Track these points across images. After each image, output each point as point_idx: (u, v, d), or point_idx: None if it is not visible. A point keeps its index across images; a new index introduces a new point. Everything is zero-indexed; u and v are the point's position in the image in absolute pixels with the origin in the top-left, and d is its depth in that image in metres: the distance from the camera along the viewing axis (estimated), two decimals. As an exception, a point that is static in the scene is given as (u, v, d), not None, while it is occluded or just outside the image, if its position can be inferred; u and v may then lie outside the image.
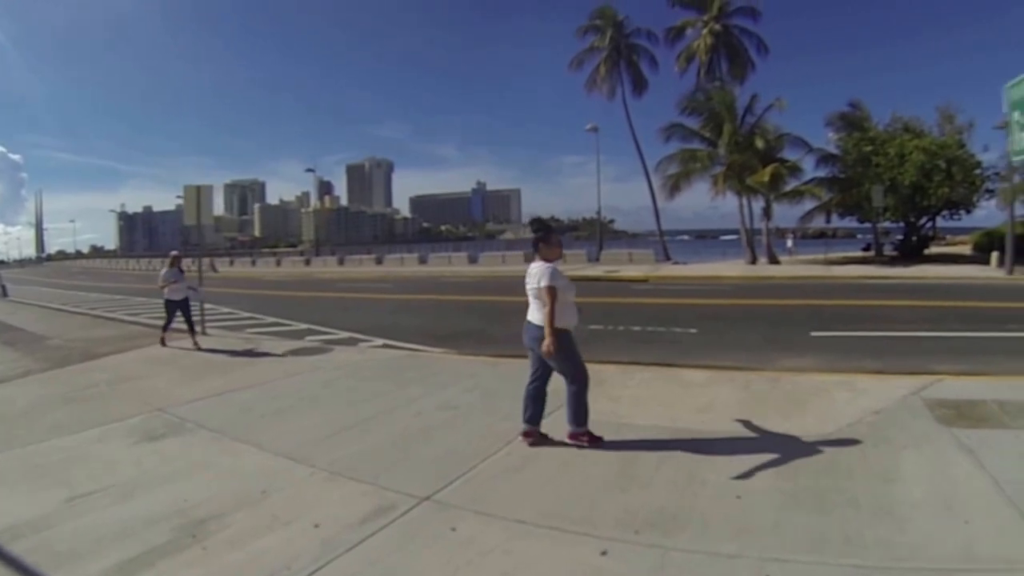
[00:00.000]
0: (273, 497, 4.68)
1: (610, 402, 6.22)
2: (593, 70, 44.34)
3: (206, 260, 53.13)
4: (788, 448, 5.25)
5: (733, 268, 31.32)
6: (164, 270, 12.35)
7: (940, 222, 39.39)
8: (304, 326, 15.25)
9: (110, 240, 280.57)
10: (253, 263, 60.78)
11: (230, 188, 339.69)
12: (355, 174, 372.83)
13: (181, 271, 12.42)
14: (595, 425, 5.61)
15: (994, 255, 26.89)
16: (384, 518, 4.24)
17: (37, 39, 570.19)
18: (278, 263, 57.38)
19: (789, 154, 34.70)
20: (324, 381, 8.69)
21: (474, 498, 4.55)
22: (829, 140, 35.49)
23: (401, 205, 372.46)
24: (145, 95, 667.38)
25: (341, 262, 51.28)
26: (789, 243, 43.39)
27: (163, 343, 12.02)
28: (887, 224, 37.95)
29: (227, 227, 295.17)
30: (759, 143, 33.38)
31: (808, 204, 35.35)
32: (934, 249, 39.62)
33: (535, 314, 5.48)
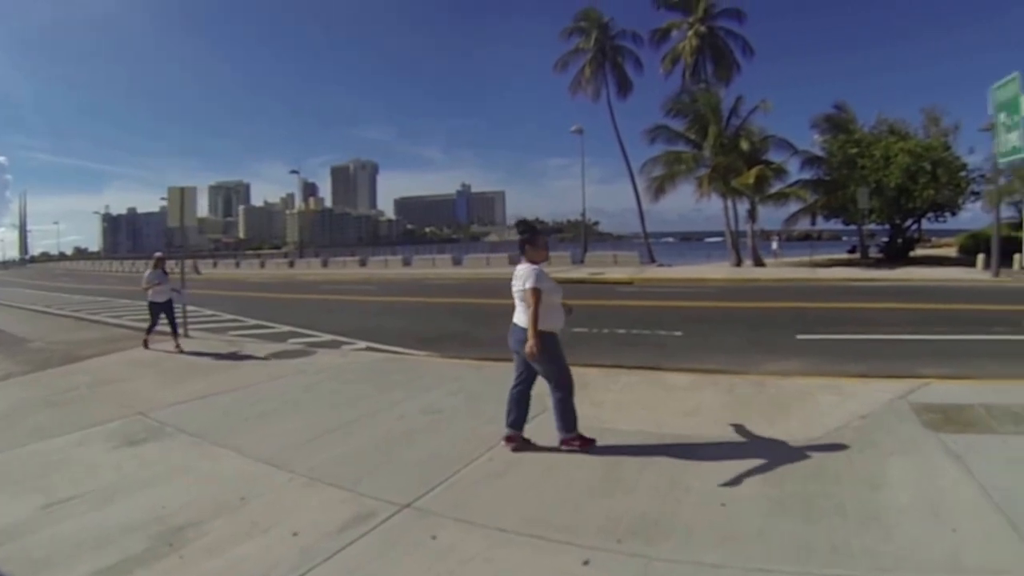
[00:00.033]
0: (252, 504, 4.63)
1: (593, 407, 6.17)
2: (578, 72, 44.51)
3: (189, 262, 53.27)
4: (774, 453, 5.23)
5: (718, 270, 31.44)
6: (148, 272, 12.26)
7: (925, 224, 39.83)
8: (287, 328, 15.20)
9: (94, 242, 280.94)
10: (237, 265, 60.58)
11: (215, 190, 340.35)
12: (340, 176, 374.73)
13: (165, 273, 12.35)
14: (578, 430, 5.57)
15: (980, 257, 27.13)
16: (364, 526, 4.19)
17: (20, 38, 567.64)
18: (262, 265, 57.39)
19: (774, 156, 34.94)
20: (306, 384, 8.64)
21: (455, 505, 4.50)
22: (814, 142, 35.78)
23: (386, 207, 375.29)
24: (130, 96, 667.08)
25: (325, 264, 51.26)
26: (774, 245, 43.57)
27: (146, 345, 11.91)
28: (872, 226, 38.26)
29: (211, 229, 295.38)
30: (744, 145, 33.50)
31: (793, 206, 35.59)
32: (919, 251, 39.98)
33: (521, 316, 5.44)
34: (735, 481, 4.70)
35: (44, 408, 7.80)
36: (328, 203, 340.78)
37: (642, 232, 45.45)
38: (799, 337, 11.77)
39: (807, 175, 35.39)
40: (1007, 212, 28.48)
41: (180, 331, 12.40)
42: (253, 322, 16.82)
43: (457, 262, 43.89)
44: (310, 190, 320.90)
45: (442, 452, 5.61)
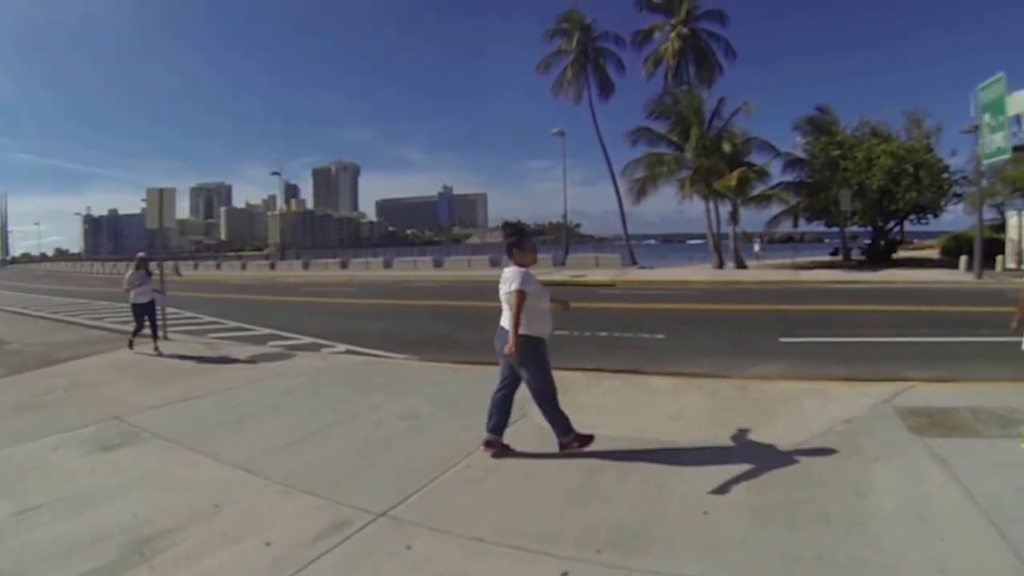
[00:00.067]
0: (225, 512, 4.55)
1: (575, 411, 6.07)
2: (560, 73, 44.67)
3: (170, 264, 53.05)
4: (757, 459, 5.18)
5: (700, 272, 31.51)
6: (129, 273, 12.23)
7: (907, 226, 40.15)
8: (267, 331, 15.13)
9: (75, 243, 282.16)
10: (218, 267, 60.53)
11: (196, 191, 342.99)
12: (321, 177, 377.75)
13: (148, 274, 12.30)
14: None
15: (962, 259, 27.36)
16: (338, 535, 4.11)
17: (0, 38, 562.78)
18: (243, 267, 57.31)
19: (756, 158, 35.18)
20: (285, 388, 8.58)
21: (431, 514, 4.42)
22: (796, 144, 36.06)
23: (367, 209, 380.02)
24: (111, 97, 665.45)
25: (306, 266, 51.13)
26: (756, 247, 43.81)
27: (131, 347, 11.85)
28: (855, 228, 38.51)
29: (193, 230, 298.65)
30: (726, 147, 33.66)
31: (775, 208, 35.85)
32: (902, 253, 40.33)
33: (507, 319, 5.36)
34: (718, 488, 4.65)
35: (19, 412, 7.70)
36: (310, 205, 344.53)
37: (624, 234, 45.68)
38: (782, 340, 11.78)
39: (789, 177, 35.70)
40: (989, 214, 28.78)
41: (159, 334, 12.32)
42: (233, 324, 16.78)
43: (438, 264, 43.87)
44: (292, 192, 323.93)
45: (419, 458, 5.54)
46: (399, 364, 10.41)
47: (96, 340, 13.84)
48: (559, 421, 5.47)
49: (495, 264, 39.34)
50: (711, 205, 35.79)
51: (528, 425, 6.06)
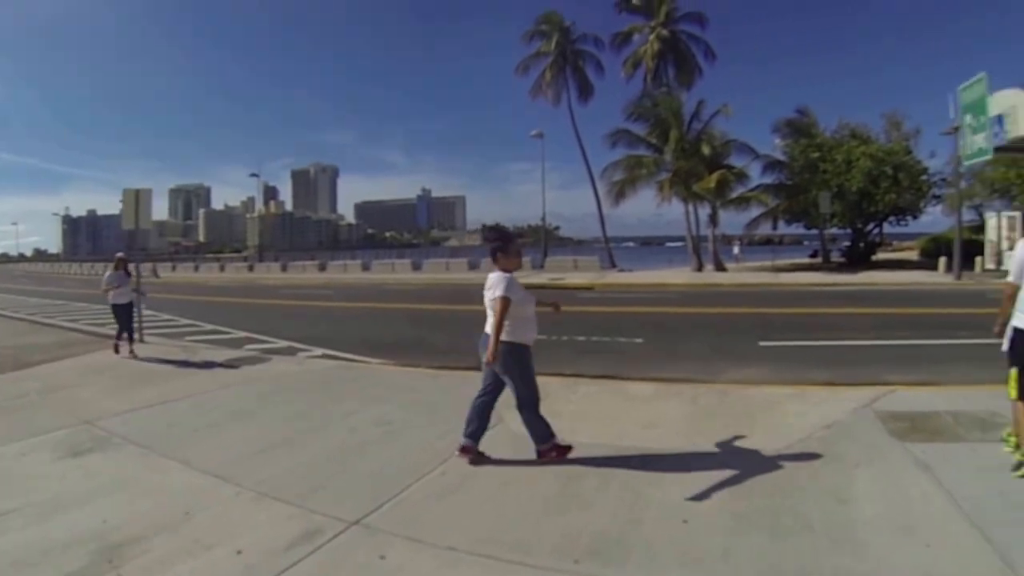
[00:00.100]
0: (196, 519, 4.49)
1: (552, 418, 6.01)
2: (539, 75, 44.90)
3: (148, 265, 52.82)
4: (738, 466, 5.14)
5: (679, 275, 31.66)
6: (108, 273, 12.14)
7: (887, 228, 40.54)
8: (243, 334, 15.09)
9: (54, 243, 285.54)
10: (196, 269, 60.43)
11: (175, 192, 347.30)
12: (300, 179, 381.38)
13: (128, 274, 12.25)
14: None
15: (942, 260, 27.64)
16: (310, 544, 4.05)
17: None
18: (221, 269, 57.41)
19: (736, 161, 35.42)
20: (259, 393, 8.54)
21: (406, 522, 4.36)
22: (776, 146, 36.30)
23: (346, 211, 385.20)
24: (90, 96, 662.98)
25: (284, 268, 51.15)
26: (736, 250, 44.06)
27: (116, 350, 11.76)
28: (834, 230, 38.82)
29: (171, 232, 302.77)
30: (705, 149, 33.87)
31: (755, 211, 36.10)
32: (881, 255, 40.75)
33: (491, 325, 5.30)
34: (698, 496, 4.60)
35: (-8, 415, 7.64)
36: (289, 207, 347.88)
37: (603, 237, 45.84)
38: (762, 344, 11.81)
39: (769, 179, 35.96)
40: (968, 215, 29.06)
41: (135, 336, 12.26)
42: (210, 327, 16.77)
43: (416, 267, 44.02)
44: (271, 194, 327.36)
45: (394, 465, 5.49)
46: (375, 369, 10.39)
47: (72, 342, 13.82)
48: (539, 429, 5.43)
49: (473, 267, 39.47)
50: (690, 208, 36.00)
51: (504, 432, 6.00)
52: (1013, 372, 4.96)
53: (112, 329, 11.90)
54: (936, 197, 35.27)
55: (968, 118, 23.34)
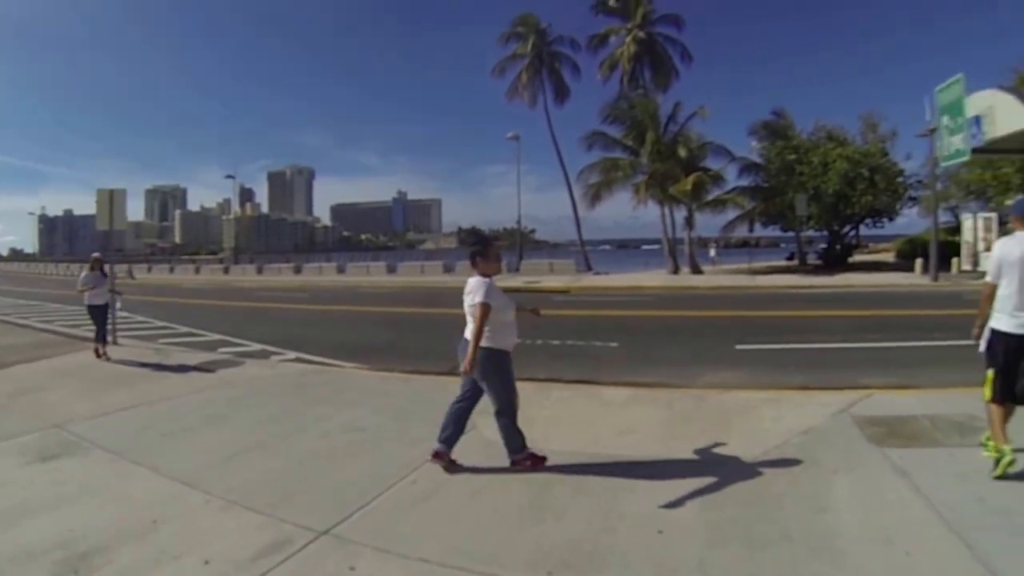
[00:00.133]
0: (164, 528, 4.44)
1: (526, 424, 5.94)
2: (515, 78, 44.79)
3: (124, 266, 52.53)
4: (714, 474, 5.10)
5: (655, 278, 31.72)
6: (83, 273, 12.17)
7: (863, 230, 40.87)
8: (217, 337, 15.12)
9: (30, 243, 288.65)
10: (171, 270, 60.80)
11: (151, 193, 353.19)
12: (276, 181, 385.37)
13: (104, 275, 12.26)
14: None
15: (918, 262, 27.90)
16: (279, 554, 3.99)
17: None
18: (197, 271, 57.81)
19: (712, 163, 35.59)
20: (231, 398, 8.51)
21: (376, 532, 4.30)
22: (752, 149, 36.45)
23: (322, 213, 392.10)
24: (67, 96, 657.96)
25: (260, 271, 51.08)
26: (712, 252, 44.26)
27: (97, 353, 11.68)
28: (811, 233, 39.07)
29: (147, 233, 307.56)
30: (682, 152, 33.99)
31: (731, 213, 36.29)
32: (858, 257, 41.12)
33: (470, 331, 5.23)
34: (674, 505, 4.56)
35: (-38, 419, 7.56)
36: (265, 208, 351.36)
37: (579, 240, 45.93)
38: (739, 347, 11.83)
39: (745, 182, 36.10)
40: (944, 217, 29.38)
41: (109, 338, 12.27)
42: (184, 329, 16.74)
43: (391, 270, 43.97)
44: (247, 195, 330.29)
45: (365, 473, 5.46)
46: (348, 373, 10.36)
47: (46, 344, 13.80)
48: (514, 438, 5.40)
49: (448, 270, 39.61)
50: (666, 210, 36.06)
51: (476, 439, 5.94)
52: (990, 374, 5.00)
53: (86, 331, 12.00)
54: (912, 199, 35.71)
55: (945, 119, 23.56)
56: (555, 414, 7.13)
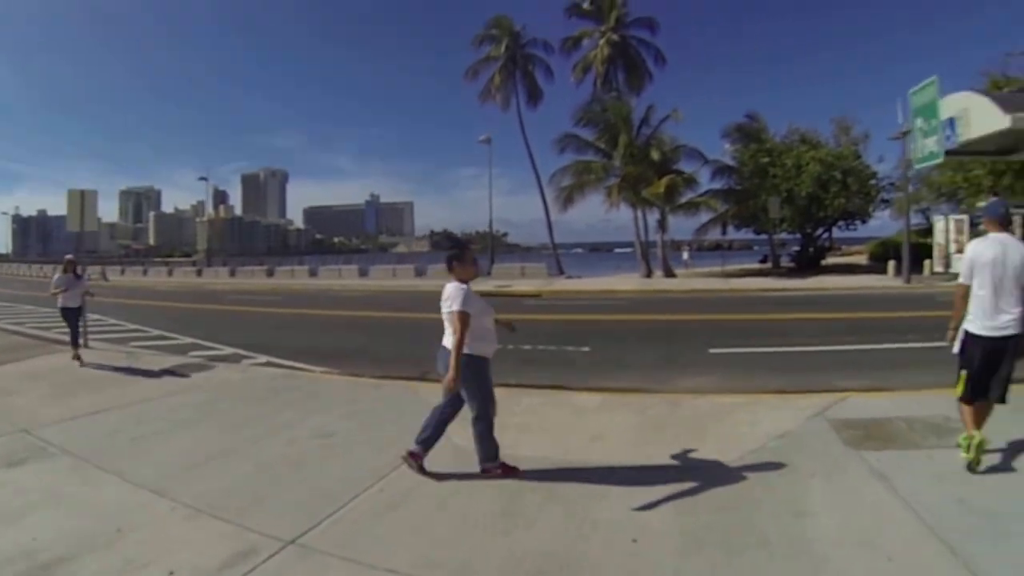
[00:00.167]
0: (128, 537, 4.38)
1: (496, 431, 5.87)
2: (488, 80, 44.76)
3: (97, 268, 52.16)
4: (689, 480, 5.06)
5: (628, 282, 31.78)
6: (56, 275, 12.09)
7: (836, 232, 41.31)
8: (189, 340, 15.08)
9: (3, 243, 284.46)
10: (144, 272, 60.42)
11: (125, 195, 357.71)
12: (250, 183, 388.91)
13: (78, 276, 12.16)
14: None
15: (891, 264, 28.21)
16: (244, 565, 3.93)
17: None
18: (170, 273, 57.58)
19: (685, 166, 35.77)
20: (201, 402, 8.52)
21: (343, 542, 4.24)
22: (726, 152, 36.71)
23: (295, 216, 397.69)
24: (42, 96, 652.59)
25: (233, 273, 50.96)
26: (685, 256, 44.54)
27: (76, 357, 11.55)
28: (784, 235, 39.36)
29: (121, 234, 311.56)
30: (655, 154, 34.12)
31: (704, 216, 36.54)
32: (831, 259, 41.57)
33: (449, 339, 5.18)
34: (647, 513, 4.51)
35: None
36: (238, 211, 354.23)
37: (551, 243, 45.91)
38: (712, 351, 11.82)
39: (718, 184, 36.34)
40: (916, 219, 29.69)
41: (80, 341, 12.16)
42: (156, 332, 16.67)
43: (363, 273, 44.07)
44: (221, 197, 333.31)
45: (334, 480, 5.40)
46: (318, 378, 10.26)
47: (15, 347, 13.73)
48: (488, 446, 5.34)
49: (420, 274, 39.62)
50: (639, 213, 36.20)
51: (447, 445, 5.81)
52: (963, 374, 5.07)
53: (58, 333, 11.89)
54: (884, 201, 36.19)
55: (919, 122, 23.88)
56: (526, 420, 7.04)
